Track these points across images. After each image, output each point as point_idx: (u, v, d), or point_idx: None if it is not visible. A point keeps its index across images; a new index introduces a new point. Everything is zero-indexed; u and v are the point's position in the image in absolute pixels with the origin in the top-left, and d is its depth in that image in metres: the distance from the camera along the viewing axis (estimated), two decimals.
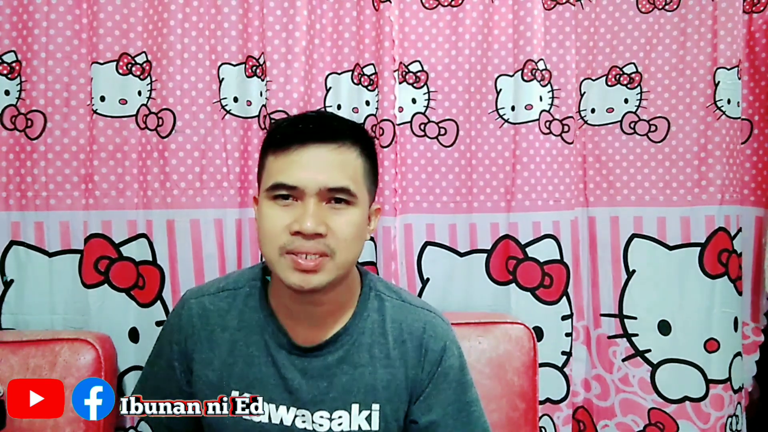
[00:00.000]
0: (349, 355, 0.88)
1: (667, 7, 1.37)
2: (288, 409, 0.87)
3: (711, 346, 1.32)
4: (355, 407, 0.87)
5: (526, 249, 1.36)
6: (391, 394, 0.88)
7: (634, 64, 1.40)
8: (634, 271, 1.39)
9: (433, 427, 0.89)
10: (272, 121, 1.26)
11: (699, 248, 1.33)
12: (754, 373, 1.38)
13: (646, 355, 1.38)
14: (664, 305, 1.36)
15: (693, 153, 1.34)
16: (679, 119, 1.36)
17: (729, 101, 1.32)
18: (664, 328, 1.36)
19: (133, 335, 1.28)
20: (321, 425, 0.86)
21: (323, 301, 0.86)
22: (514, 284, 1.36)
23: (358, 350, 0.88)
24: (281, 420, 0.87)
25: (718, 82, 1.33)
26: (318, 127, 0.82)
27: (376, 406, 0.87)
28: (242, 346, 0.89)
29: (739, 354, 1.36)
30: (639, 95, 1.40)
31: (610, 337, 1.42)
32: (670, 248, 1.36)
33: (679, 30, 1.36)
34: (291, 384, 0.87)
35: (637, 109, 1.40)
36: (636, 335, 1.39)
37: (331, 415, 0.87)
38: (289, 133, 0.82)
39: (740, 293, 1.34)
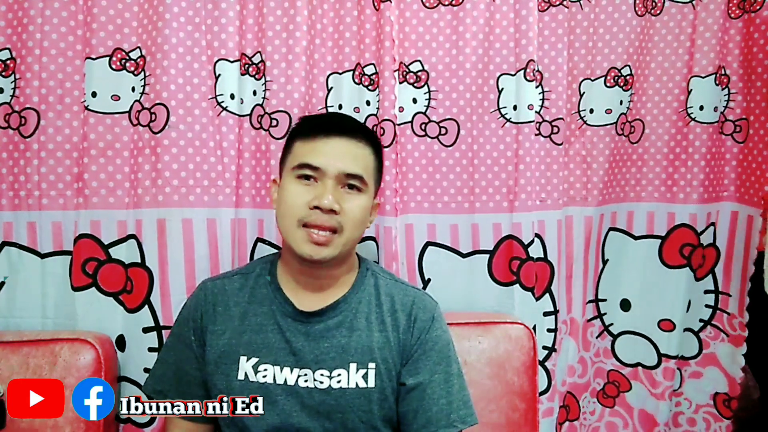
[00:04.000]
0: (347, 320, 1.07)
1: (653, 11, 1.53)
2: (291, 370, 1.03)
3: (666, 326, 1.61)
4: (353, 366, 1.03)
5: (528, 249, 1.47)
6: (386, 355, 1.05)
7: (629, 66, 1.54)
8: (608, 260, 1.64)
9: (420, 389, 1.05)
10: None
11: (660, 240, 1.60)
12: (742, 365, 1.57)
13: (610, 328, 1.67)
14: (627, 287, 1.63)
15: (663, 154, 1.57)
16: (653, 122, 1.55)
17: (702, 108, 1.52)
18: (625, 305, 1.64)
19: (120, 343, 1.34)
20: (321, 383, 1.03)
21: (326, 275, 1.07)
22: (517, 285, 1.48)
23: (356, 316, 1.07)
24: (285, 380, 1.03)
25: (691, 89, 1.51)
26: (342, 123, 1.09)
27: (372, 365, 1.04)
28: (252, 316, 1.07)
29: (689, 330, 1.63)
30: (630, 96, 1.56)
31: (588, 320, 1.64)
32: (636, 238, 1.62)
33: (660, 36, 1.53)
34: (295, 346, 1.04)
35: (626, 111, 1.57)
36: (605, 314, 1.66)
37: (330, 373, 1.03)
38: (317, 124, 1.07)
39: (697, 279, 1.60)
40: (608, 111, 1.55)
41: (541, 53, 1.49)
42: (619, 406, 1.68)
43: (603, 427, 1.69)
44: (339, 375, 1.02)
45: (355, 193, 1.04)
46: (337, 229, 1.00)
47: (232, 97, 1.36)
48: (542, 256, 1.51)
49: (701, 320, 1.64)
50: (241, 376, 1.03)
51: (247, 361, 1.04)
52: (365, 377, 1.03)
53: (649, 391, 1.65)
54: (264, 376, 1.03)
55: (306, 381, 1.02)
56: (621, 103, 1.55)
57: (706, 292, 1.62)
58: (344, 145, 1.03)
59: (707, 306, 1.63)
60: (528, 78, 1.44)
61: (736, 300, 1.59)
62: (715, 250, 1.60)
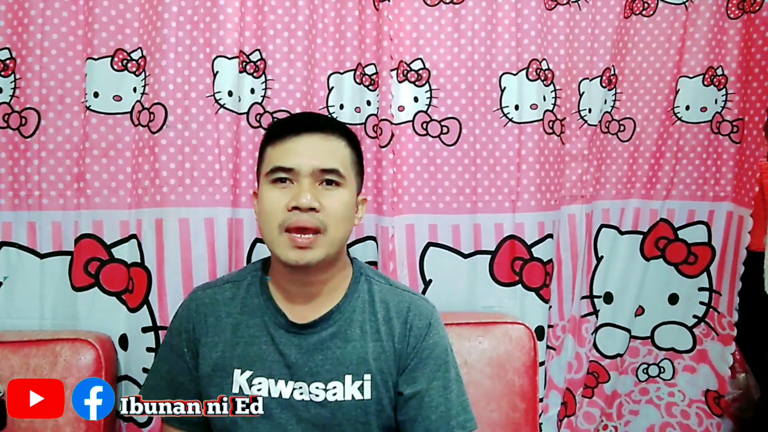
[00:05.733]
0: (342, 330, 1.06)
1: (644, 12, 1.58)
2: (286, 383, 1.04)
3: (638, 312, 1.71)
4: (348, 378, 1.04)
5: (532, 249, 1.50)
6: (381, 365, 1.05)
7: (613, 66, 1.58)
8: (602, 257, 1.69)
9: (419, 397, 1.05)
10: (274, 119, 1.38)
11: (642, 236, 1.68)
12: (730, 363, 1.66)
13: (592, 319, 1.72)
14: (612, 281, 1.68)
15: (651, 152, 1.64)
16: (644, 121, 1.61)
17: (688, 108, 1.59)
18: (608, 298, 1.70)
19: (123, 342, 1.37)
20: (317, 395, 1.03)
21: (317, 281, 1.06)
22: (520, 285, 1.50)
23: (350, 326, 1.07)
24: (280, 393, 1.03)
25: (679, 89, 1.58)
26: (310, 120, 1.07)
27: (367, 377, 1.04)
28: (244, 328, 1.07)
29: (673, 323, 1.71)
30: (614, 96, 1.62)
31: (583, 316, 1.68)
32: (622, 233, 1.68)
33: (653, 36, 1.59)
34: (289, 359, 1.04)
35: (611, 109, 1.62)
36: (599, 310, 1.71)
37: (326, 385, 1.03)
38: (284, 125, 1.05)
39: (686, 275, 1.69)
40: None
41: (551, 51, 1.51)
42: (597, 397, 1.72)
43: (581, 416, 1.72)
44: (334, 387, 1.03)
45: (334, 188, 1.02)
46: (320, 229, 0.99)
47: (230, 94, 1.38)
48: (552, 257, 1.53)
49: (695, 316, 1.69)
50: (235, 390, 1.04)
51: (241, 374, 1.04)
52: (361, 389, 1.03)
53: (618, 372, 1.72)
54: (259, 390, 1.03)
55: (301, 394, 1.03)
56: (605, 101, 1.61)
57: (701, 289, 1.69)
58: (315, 140, 1.02)
59: (701, 303, 1.69)
60: (531, 78, 1.47)
61: (725, 299, 1.63)
62: (710, 249, 1.67)
